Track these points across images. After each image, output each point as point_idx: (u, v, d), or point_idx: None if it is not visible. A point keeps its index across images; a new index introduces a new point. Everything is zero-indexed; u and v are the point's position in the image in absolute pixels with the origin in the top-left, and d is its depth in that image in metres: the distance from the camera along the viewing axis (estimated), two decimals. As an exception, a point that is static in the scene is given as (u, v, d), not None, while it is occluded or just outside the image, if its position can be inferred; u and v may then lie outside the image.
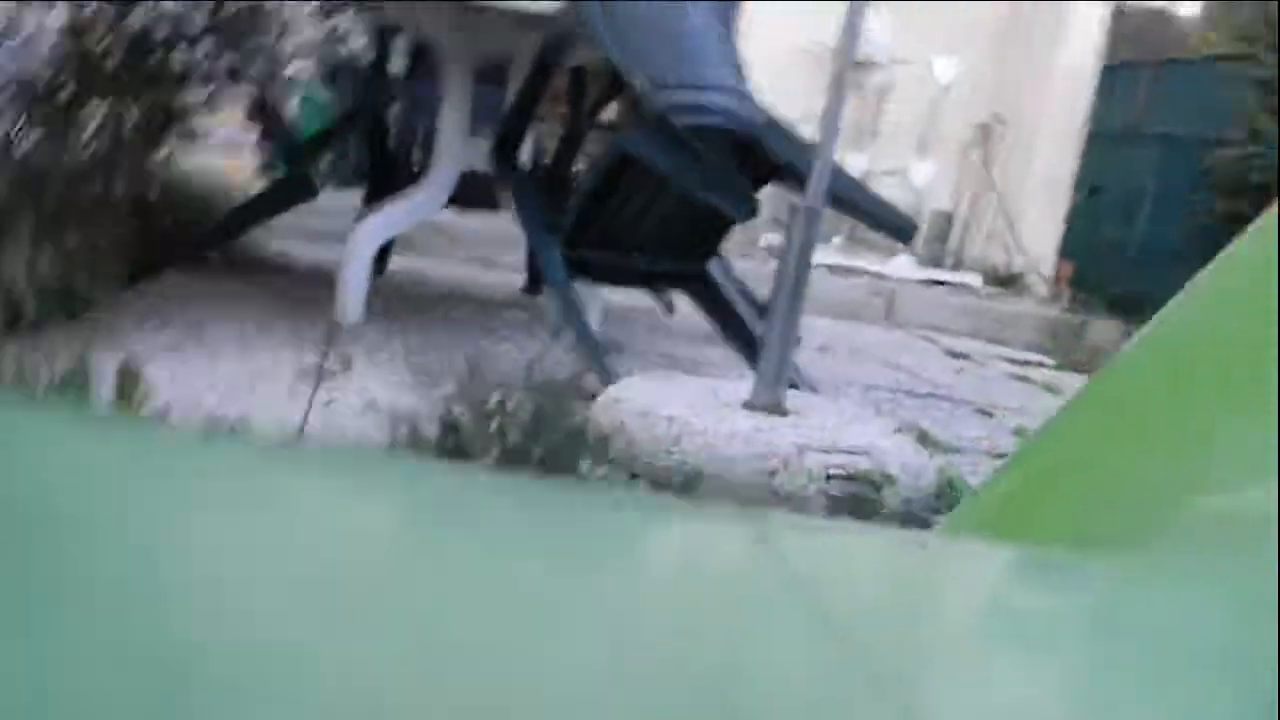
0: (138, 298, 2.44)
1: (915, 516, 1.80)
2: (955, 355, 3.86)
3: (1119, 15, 6.04)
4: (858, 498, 1.71)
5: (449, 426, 1.59)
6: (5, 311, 1.73)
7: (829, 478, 1.72)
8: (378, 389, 1.99)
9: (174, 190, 2.92)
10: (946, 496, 1.93)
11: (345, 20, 2.24)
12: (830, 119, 1.90)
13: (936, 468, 1.95)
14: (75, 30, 2.02)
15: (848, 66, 1.91)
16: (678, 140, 2.29)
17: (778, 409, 1.91)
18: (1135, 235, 6.05)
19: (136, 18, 1.91)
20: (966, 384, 3.28)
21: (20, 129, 2.03)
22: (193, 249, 2.86)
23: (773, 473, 1.70)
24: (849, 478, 1.72)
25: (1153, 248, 5.94)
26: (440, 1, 2.62)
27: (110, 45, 2.00)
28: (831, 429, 1.85)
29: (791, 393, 2.00)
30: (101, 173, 2.16)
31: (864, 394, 2.75)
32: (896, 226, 2.66)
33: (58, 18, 2.04)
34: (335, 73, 4.72)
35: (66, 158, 2.10)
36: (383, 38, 3.28)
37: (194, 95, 2.14)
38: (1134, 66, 6.49)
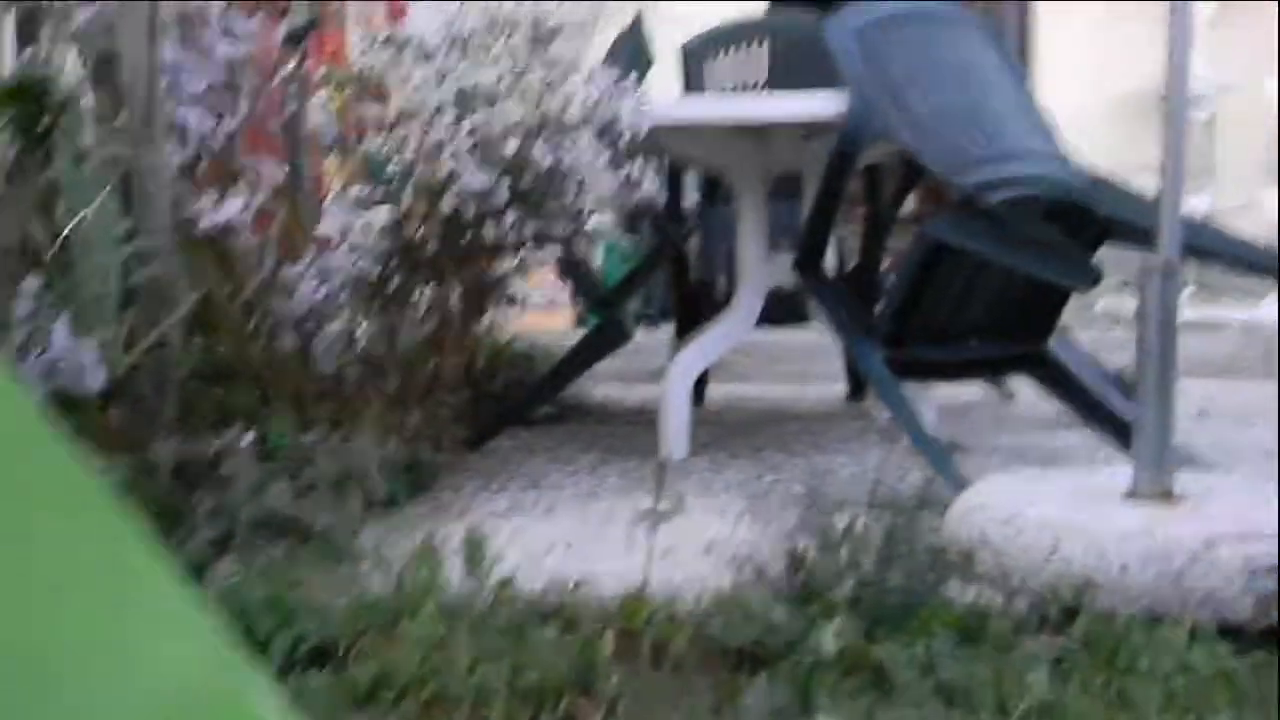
0: (478, 461, 2.53)
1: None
2: (1363, 401, 3.29)
3: None
4: (1294, 593, 1.42)
5: (795, 563, 1.47)
6: (360, 494, 1.82)
7: (1252, 572, 1.44)
8: (715, 526, 1.92)
9: (499, 354, 3.07)
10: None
11: (636, 168, 2.27)
12: (1173, 161, 1.68)
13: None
14: (397, 224, 2.17)
15: (1183, 102, 1.69)
16: (992, 219, 2.12)
17: (1168, 496, 1.65)
18: None
19: (447, 202, 2.01)
20: (1388, 433, 2.77)
21: (358, 322, 2.19)
22: (522, 407, 2.97)
23: (1180, 574, 1.45)
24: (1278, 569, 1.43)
25: None
26: (724, 131, 2.62)
27: (428, 232, 2.12)
28: (1242, 512, 1.57)
29: (1180, 474, 1.73)
30: (433, 350, 2.28)
31: (1264, 463, 2.37)
32: (1273, 267, 2.32)
33: (382, 216, 2.20)
34: (633, 218, 4.90)
35: (401, 341, 2.24)
36: (673, 176, 3.34)
37: (507, 264, 2.22)
38: None
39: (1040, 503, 1.66)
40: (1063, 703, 1.30)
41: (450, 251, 2.13)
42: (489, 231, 2.05)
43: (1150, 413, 1.66)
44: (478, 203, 1.99)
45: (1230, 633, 1.43)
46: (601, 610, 1.51)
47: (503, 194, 1.96)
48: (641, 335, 3.68)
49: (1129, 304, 4.74)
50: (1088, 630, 1.44)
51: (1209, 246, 2.20)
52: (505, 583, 1.56)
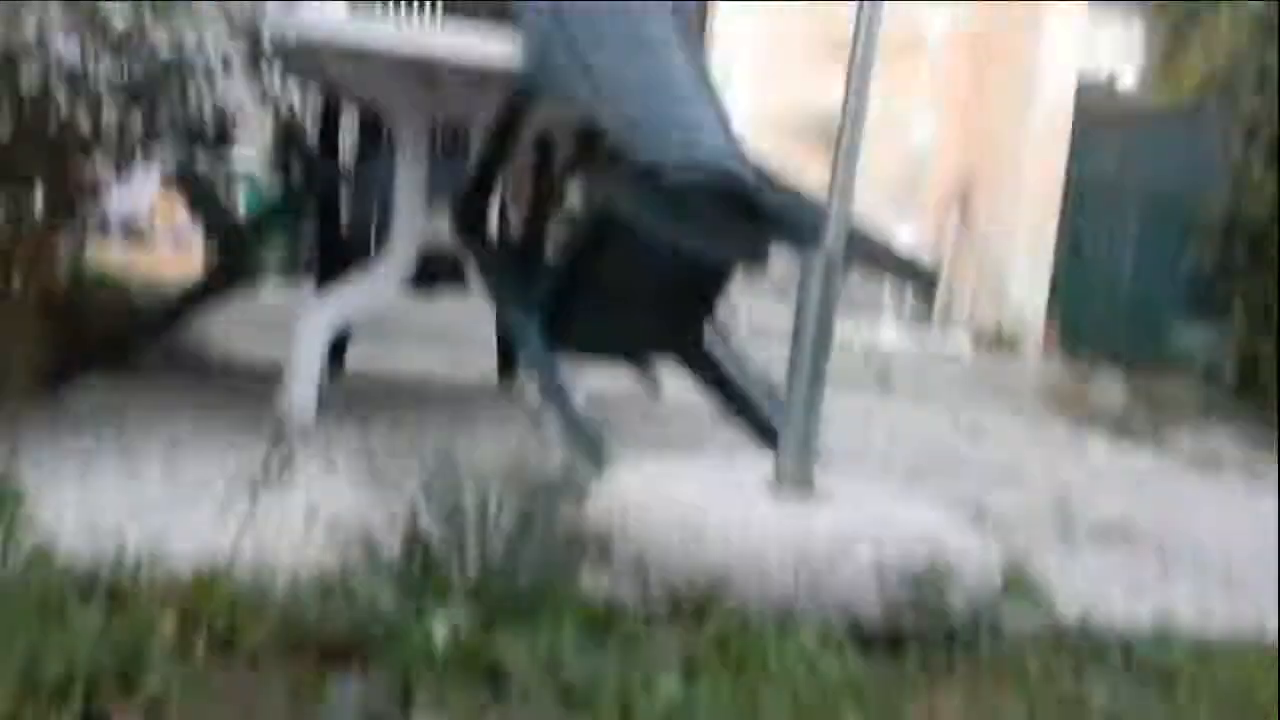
0: (55, 403, 2.12)
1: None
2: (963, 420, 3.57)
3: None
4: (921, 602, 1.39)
5: (413, 542, 1.27)
6: None
7: (885, 575, 1.41)
8: (328, 499, 1.67)
9: (90, 280, 2.61)
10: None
11: (278, 79, 1.94)
12: (845, 160, 1.64)
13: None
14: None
15: (862, 100, 1.66)
16: (669, 196, 2.02)
17: (809, 489, 1.60)
18: (1122, 291, 5.89)
19: (29, 76, 1.62)
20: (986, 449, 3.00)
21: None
22: (122, 349, 2.54)
23: (815, 572, 1.39)
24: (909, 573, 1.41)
25: (1141, 301, 5.77)
26: (390, 63, 2.36)
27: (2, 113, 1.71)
28: (881, 513, 1.54)
29: (824, 475, 1.69)
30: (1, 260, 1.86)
31: (886, 466, 2.46)
32: (918, 274, 2.41)
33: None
34: (282, 153, 4.46)
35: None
36: (329, 112, 3.02)
37: (106, 166, 1.85)
38: (1106, 125, 6.38)
39: (680, 490, 1.56)
40: (690, 708, 1.18)
41: (32, 140, 1.73)
42: (84, 122, 1.67)
43: (799, 399, 1.61)
44: (71, 83, 1.62)
45: (864, 638, 1.38)
46: (168, 588, 1.23)
47: (104, 75, 1.61)
48: (281, 289, 3.33)
49: (780, 315, 4.93)
50: (721, 627, 1.35)
51: (867, 248, 2.22)
52: (42, 550, 1.24)
